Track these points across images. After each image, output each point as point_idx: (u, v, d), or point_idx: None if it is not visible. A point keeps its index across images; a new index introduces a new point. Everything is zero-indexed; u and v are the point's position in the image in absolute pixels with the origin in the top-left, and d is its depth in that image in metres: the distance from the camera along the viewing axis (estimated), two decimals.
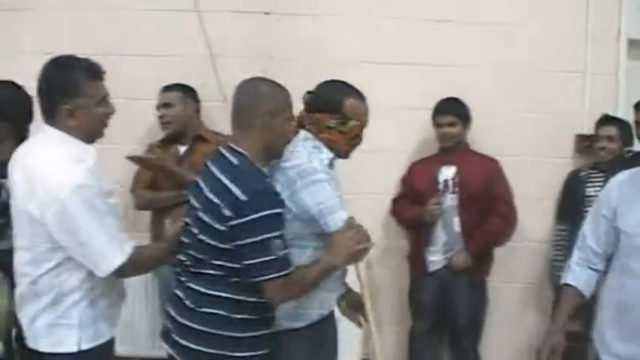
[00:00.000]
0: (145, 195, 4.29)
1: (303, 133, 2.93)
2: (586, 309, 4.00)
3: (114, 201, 2.68)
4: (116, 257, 2.53)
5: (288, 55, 4.65)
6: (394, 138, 4.68)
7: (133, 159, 3.98)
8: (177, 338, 2.67)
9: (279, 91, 2.73)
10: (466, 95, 4.49)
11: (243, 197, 2.47)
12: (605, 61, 4.90)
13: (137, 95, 4.51)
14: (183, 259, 2.72)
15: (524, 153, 4.76)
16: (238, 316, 2.62)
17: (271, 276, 2.52)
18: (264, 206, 2.49)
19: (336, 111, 2.88)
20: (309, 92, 2.95)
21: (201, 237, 2.59)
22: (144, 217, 4.40)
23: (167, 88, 4.29)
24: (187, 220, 2.73)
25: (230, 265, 2.56)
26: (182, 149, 4.28)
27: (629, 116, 4.57)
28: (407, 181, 4.69)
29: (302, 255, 2.76)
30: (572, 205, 4.66)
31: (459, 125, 4.45)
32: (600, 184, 4.27)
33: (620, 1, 4.94)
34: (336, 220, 2.71)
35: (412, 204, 4.54)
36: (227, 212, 2.49)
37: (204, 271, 2.61)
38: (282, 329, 2.84)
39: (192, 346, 2.62)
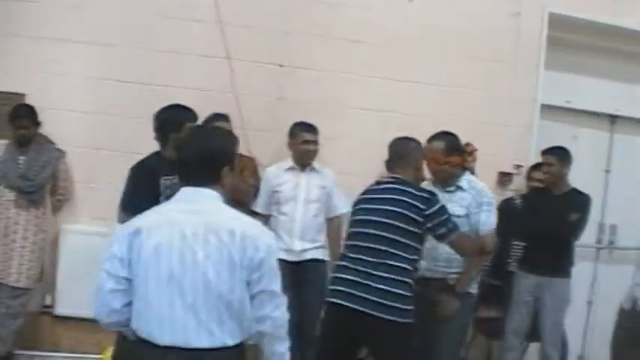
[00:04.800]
0: None
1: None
2: (502, 296, 5.66)
3: None
4: None
5: (295, 97, 6.04)
6: None
7: None
8: None
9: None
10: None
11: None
12: (522, 119, 6.52)
13: None
14: None
15: None
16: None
17: None
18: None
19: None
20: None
21: None
22: None
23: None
24: None
25: None
26: None
27: (538, 160, 5.98)
28: None
29: None
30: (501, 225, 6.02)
31: None
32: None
33: (537, 74, 6.57)
34: None
35: None
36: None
37: None
38: None
39: None
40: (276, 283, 2.82)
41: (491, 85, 6.47)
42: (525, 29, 6.57)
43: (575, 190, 5.73)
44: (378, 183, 4.39)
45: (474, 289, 4.84)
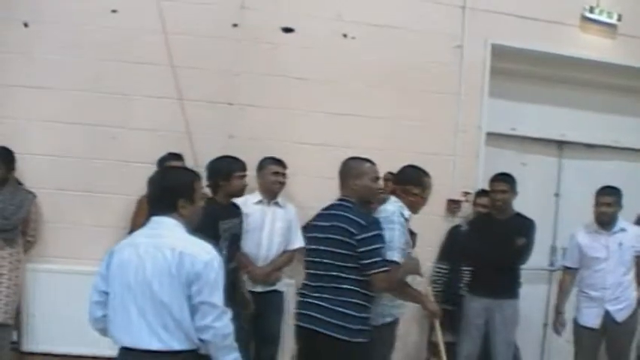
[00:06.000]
0: None
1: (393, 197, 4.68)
2: (454, 320, 5.78)
3: None
4: None
5: (246, 135, 6.19)
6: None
7: None
8: None
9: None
10: None
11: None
12: (468, 148, 6.71)
13: (135, 159, 6.00)
14: None
15: None
16: None
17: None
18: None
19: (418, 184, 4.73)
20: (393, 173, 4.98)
21: None
22: None
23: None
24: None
25: None
26: None
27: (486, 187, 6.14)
28: None
29: None
30: (451, 251, 6.33)
31: None
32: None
33: (481, 104, 6.78)
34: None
35: None
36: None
37: None
38: None
39: None
40: (216, 296, 3.20)
41: (437, 116, 6.67)
42: (468, 61, 6.77)
43: (519, 215, 5.87)
44: (327, 207, 4.51)
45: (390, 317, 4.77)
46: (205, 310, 3.17)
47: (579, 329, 5.88)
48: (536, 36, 6.92)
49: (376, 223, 4.31)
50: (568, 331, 6.23)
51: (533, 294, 7.08)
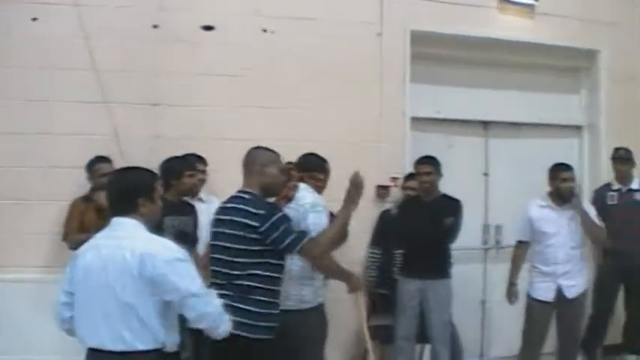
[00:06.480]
0: (79, 237, 4.87)
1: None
2: (390, 304, 5.95)
3: None
4: None
5: (171, 135, 6.21)
6: None
7: None
8: None
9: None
10: None
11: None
12: (394, 134, 6.83)
13: (63, 165, 6.05)
14: None
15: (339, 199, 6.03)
16: None
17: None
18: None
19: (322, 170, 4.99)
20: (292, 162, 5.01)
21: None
22: None
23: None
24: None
25: None
26: None
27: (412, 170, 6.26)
28: None
29: None
30: (383, 236, 6.44)
31: None
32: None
33: (404, 90, 6.91)
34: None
35: None
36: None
37: None
38: None
39: None
40: (194, 285, 3.28)
41: (361, 104, 6.76)
42: (389, 48, 6.87)
43: (445, 196, 6.01)
44: (227, 200, 4.31)
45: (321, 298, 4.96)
46: (191, 303, 3.27)
47: (532, 302, 6.03)
48: (456, 20, 7.09)
49: (275, 208, 4.21)
50: (507, 308, 6.43)
51: (469, 273, 7.26)
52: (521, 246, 6.18)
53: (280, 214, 4.13)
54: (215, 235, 4.23)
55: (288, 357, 4.56)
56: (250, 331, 3.98)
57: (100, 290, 3.20)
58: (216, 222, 4.26)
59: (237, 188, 4.27)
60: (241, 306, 3.96)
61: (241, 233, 4.02)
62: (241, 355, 3.96)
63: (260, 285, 4.05)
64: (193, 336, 4.24)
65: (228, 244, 4.06)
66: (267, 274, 4.09)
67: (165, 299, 3.24)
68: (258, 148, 4.38)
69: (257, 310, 4.03)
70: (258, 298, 4.04)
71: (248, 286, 4.03)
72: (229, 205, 4.20)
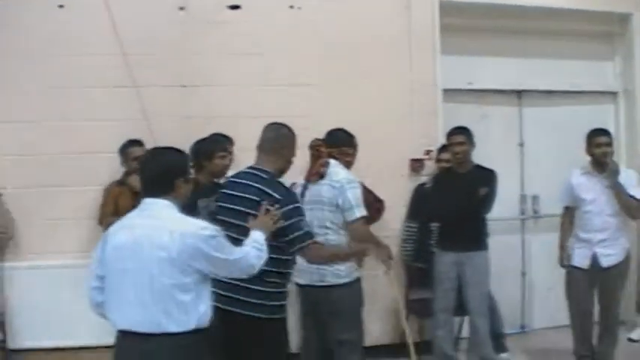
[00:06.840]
0: (114, 220, 4.75)
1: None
2: (428, 277, 5.93)
3: None
4: None
5: (201, 114, 6.20)
6: None
7: None
8: None
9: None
10: None
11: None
12: (426, 107, 6.73)
13: (96, 150, 6.09)
14: None
15: (375, 175, 6.18)
16: None
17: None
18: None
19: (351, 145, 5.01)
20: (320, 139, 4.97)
21: None
22: None
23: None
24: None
25: None
26: None
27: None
28: None
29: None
30: (419, 210, 6.40)
31: None
32: None
33: (434, 62, 6.81)
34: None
35: None
36: None
37: None
38: None
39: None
40: (230, 252, 3.35)
41: (392, 78, 6.68)
42: (418, 20, 6.77)
43: (479, 167, 5.93)
44: (238, 174, 4.20)
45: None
46: (240, 265, 3.39)
47: (570, 269, 5.92)
48: None
49: (293, 195, 4.04)
50: (548, 279, 6.33)
51: (507, 244, 7.20)
52: (567, 212, 6.04)
53: (297, 204, 3.95)
54: (225, 211, 4.04)
55: (327, 330, 4.63)
56: (263, 312, 3.86)
57: (133, 272, 3.17)
58: (226, 197, 4.09)
59: None
60: (253, 287, 3.80)
61: (254, 212, 3.84)
62: (255, 333, 3.86)
63: (272, 268, 3.81)
64: None
65: (239, 222, 3.87)
66: (274, 255, 3.79)
67: (205, 274, 3.26)
68: (280, 126, 4.20)
69: (266, 289, 3.86)
70: (265, 279, 3.80)
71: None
72: (242, 181, 4.04)
